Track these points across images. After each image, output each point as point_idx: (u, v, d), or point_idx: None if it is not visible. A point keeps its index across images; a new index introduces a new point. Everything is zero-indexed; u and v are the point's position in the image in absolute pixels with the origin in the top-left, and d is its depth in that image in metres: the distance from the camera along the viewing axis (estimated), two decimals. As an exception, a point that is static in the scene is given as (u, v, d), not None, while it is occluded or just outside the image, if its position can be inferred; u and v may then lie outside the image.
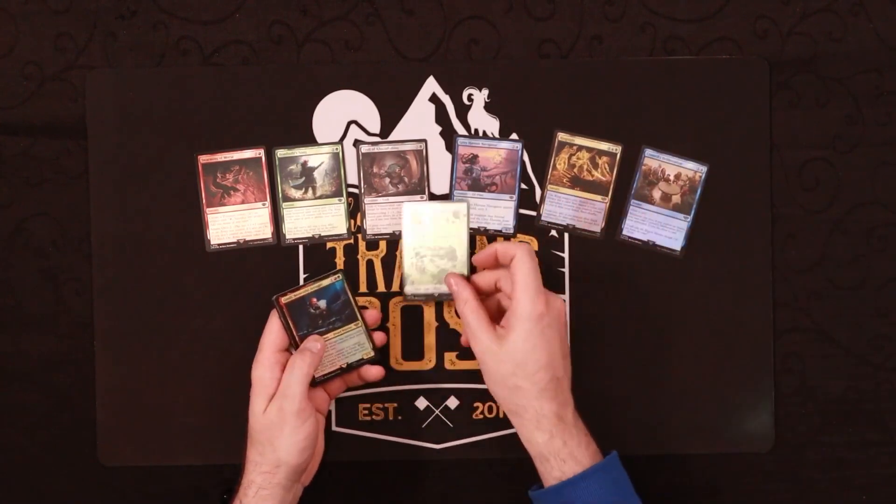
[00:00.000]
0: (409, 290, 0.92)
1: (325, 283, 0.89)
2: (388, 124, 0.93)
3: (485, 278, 0.88)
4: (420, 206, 0.92)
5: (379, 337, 0.90)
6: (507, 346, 0.82)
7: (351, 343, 0.89)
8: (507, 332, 0.83)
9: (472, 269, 0.90)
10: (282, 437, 0.83)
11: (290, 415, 0.83)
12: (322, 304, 0.89)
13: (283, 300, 0.88)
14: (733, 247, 0.94)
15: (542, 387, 0.82)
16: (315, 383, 0.87)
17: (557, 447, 0.82)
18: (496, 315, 0.87)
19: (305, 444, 0.84)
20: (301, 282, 0.93)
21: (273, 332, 0.87)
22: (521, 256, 0.84)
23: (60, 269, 0.93)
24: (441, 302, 0.93)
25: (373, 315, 0.90)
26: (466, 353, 0.94)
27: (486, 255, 0.88)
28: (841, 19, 0.93)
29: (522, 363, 0.82)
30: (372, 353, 0.89)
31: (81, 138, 0.93)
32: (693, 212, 0.94)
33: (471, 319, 0.85)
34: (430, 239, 0.92)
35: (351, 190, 0.94)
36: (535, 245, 0.94)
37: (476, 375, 0.94)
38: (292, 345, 0.88)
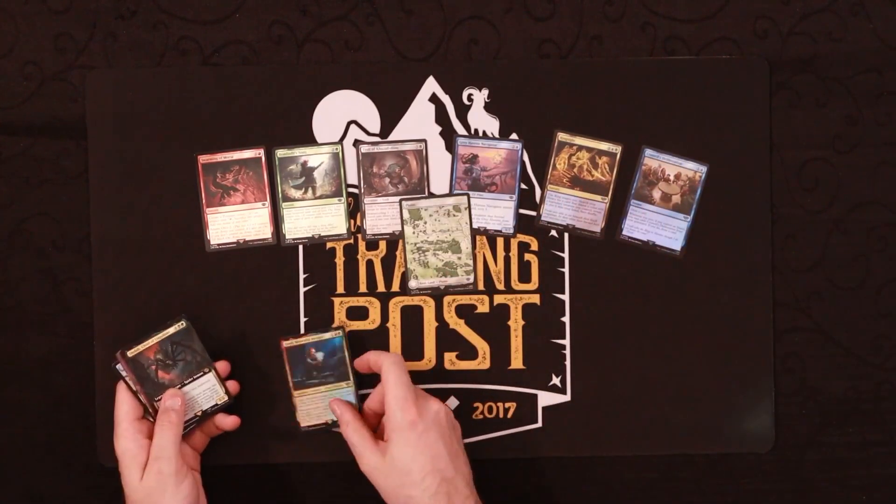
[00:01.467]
0: (412, 284, 0.92)
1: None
2: (388, 124, 0.93)
3: (376, 397, 0.89)
4: (419, 201, 0.93)
5: (232, 385, 0.90)
6: (390, 459, 0.83)
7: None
8: (388, 445, 0.84)
9: (358, 375, 0.91)
10: (164, 500, 0.84)
11: (169, 476, 0.84)
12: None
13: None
14: (733, 247, 0.94)
15: (433, 492, 0.82)
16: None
17: None
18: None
19: (188, 501, 0.84)
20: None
21: (124, 402, 0.88)
22: (388, 367, 0.85)
23: (60, 269, 0.93)
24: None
25: (223, 365, 0.91)
26: (466, 353, 0.94)
27: (362, 361, 0.89)
28: (841, 19, 0.93)
29: (407, 472, 0.82)
30: (226, 398, 0.90)
31: (81, 138, 0.93)
32: (693, 212, 0.94)
33: (354, 440, 0.86)
34: (431, 233, 0.92)
35: (351, 190, 0.94)
36: (535, 245, 0.94)
37: (476, 375, 0.94)
38: (147, 413, 0.88)
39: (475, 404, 0.94)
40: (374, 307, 0.94)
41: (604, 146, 0.94)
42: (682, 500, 0.94)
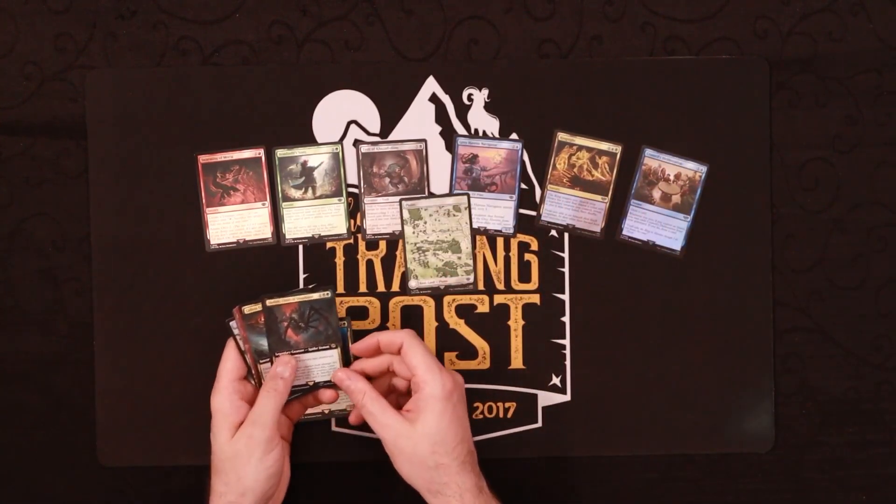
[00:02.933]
0: (412, 284, 0.92)
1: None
2: (388, 124, 0.93)
3: (374, 364, 0.88)
4: (419, 201, 0.93)
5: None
6: (423, 427, 0.83)
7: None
8: (419, 413, 0.83)
9: (352, 358, 0.89)
10: (249, 466, 0.83)
11: (261, 442, 0.83)
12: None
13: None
14: (733, 247, 0.94)
15: (462, 460, 0.83)
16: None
17: None
18: (387, 395, 0.88)
19: (273, 470, 0.84)
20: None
21: (230, 359, 0.87)
22: (411, 342, 0.85)
23: (60, 269, 0.93)
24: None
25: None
26: (466, 353, 0.94)
27: (367, 344, 0.88)
28: (841, 19, 0.93)
29: (442, 440, 0.83)
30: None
31: (81, 138, 0.93)
32: (693, 212, 0.94)
33: (374, 409, 0.85)
34: (431, 233, 0.92)
35: (351, 190, 0.94)
36: (535, 245, 0.94)
37: (476, 375, 0.94)
38: (251, 374, 0.88)
39: (475, 404, 0.94)
40: (374, 307, 0.94)
41: (604, 146, 0.94)
42: (682, 500, 0.94)
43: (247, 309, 0.87)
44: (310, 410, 0.91)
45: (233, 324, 0.88)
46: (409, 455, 0.83)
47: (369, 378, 0.88)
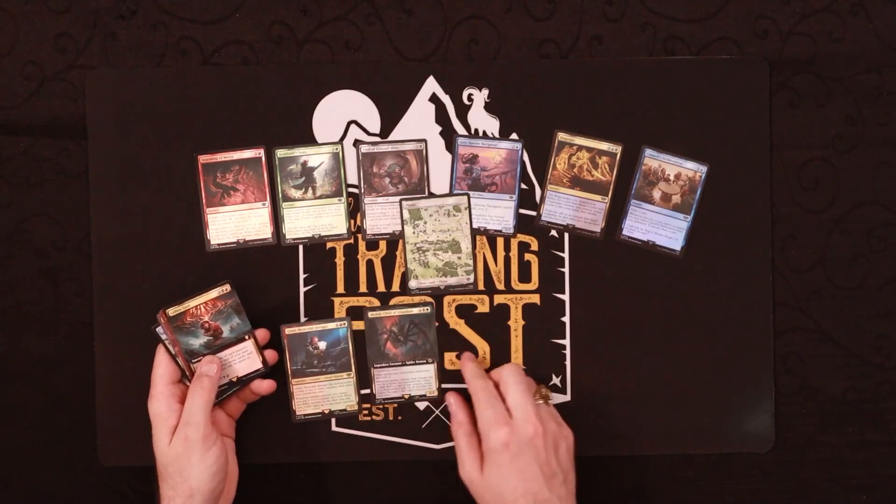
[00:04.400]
0: (413, 284, 0.92)
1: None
2: (388, 124, 0.93)
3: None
4: (419, 201, 0.93)
5: (270, 355, 0.90)
6: (486, 477, 0.84)
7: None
8: (484, 463, 0.84)
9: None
10: (190, 466, 0.83)
11: (196, 442, 0.84)
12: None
13: (170, 312, 0.88)
14: (733, 247, 0.94)
15: None
16: (214, 402, 0.87)
17: None
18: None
19: (215, 468, 0.84)
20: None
21: (161, 364, 0.88)
22: (508, 380, 0.86)
23: (60, 269, 0.93)
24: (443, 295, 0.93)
25: (262, 333, 0.90)
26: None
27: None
28: (841, 19, 0.93)
29: (499, 493, 0.83)
30: (262, 367, 0.90)
31: (81, 138, 0.93)
32: (693, 212, 0.94)
33: (461, 443, 0.86)
34: (431, 233, 0.92)
35: (351, 190, 0.94)
36: (535, 245, 0.94)
37: (476, 375, 0.94)
38: (185, 376, 0.88)
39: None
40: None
41: (604, 146, 0.94)
42: (682, 500, 0.94)
43: (171, 311, 0.88)
44: (310, 410, 0.91)
45: (159, 329, 0.88)
46: (479, 499, 0.85)
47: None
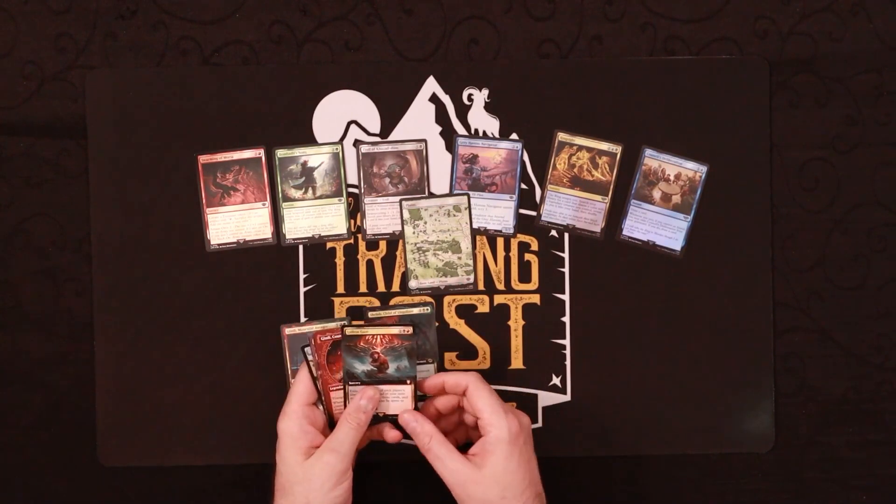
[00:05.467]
0: (413, 284, 0.92)
1: (394, 330, 0.87)
2: (388, 124, 0.93)
3: (444, 401, 0.88)
4: (419, 201, 0.93)
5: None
6: (490, 471, 0.82)
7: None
8: (486, 457, 0.83)
9: (421, 396, 0.89)
10: (321, 493, 0.82)
11: (337, 472, 0.83)
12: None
13: (348, 331, 0.86)
14: (733, 247, 0.94)
15: None
16: None
17: None
18: (455, 430, 0.88)
19: (341, 500, 0.83)
20: (303, 285, 0.93)
21: (303, 383, 0.86)
22: (476, 385, 0.84)
23: (60, 269, 0.93)
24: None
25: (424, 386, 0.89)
26: (466, 354, 0.94)
27: (434, 384, 0.87)
28: (841, 19, 0.93)
29: (510, 484, 0.82)
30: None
31: (81, 138, 0.93)
32: (693, 212, 0.94)
33: (441, 453, 0.84)
34: (431, 233, 0.92)
35: (351, 190, 0.94)
36: (535, 245, 0.94)
37: (476, 375, 0.94)
38: (320, 401, 0.87)
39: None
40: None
41: (604, 146, 0.94)
42: (682, 500, 0.94)
43: (349, 331, 0.87)
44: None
45: (307, 349, 0.87)
46: (479, 500, 0.82)
47: (439, 414, 0.88)
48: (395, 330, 0.87)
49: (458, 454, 0.84)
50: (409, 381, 0.87)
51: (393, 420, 0.87)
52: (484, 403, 0.83)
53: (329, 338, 0.87)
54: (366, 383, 0.87)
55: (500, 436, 0.82)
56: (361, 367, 0.87)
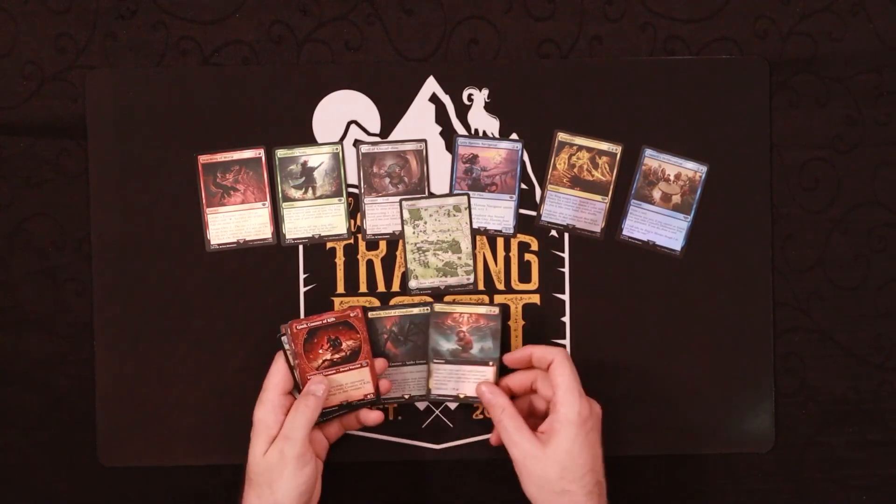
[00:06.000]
0: (413, 284, 0.92)
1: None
2: (388, 124, 0.93)
3: (519, 380, 0.89)
4: (419, 201, 0.93)
5: (384, 384, 0.89)
6: (553, 450, 0.82)
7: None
8: (551, 435, 0.83)
9: (504, 368, 0.90)
10: (281, 481, 0.83)
11: (292, 458, 0.83)
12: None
13: (437, 307, 0.88)
14: (733, 247, 0.94)
15: (589, 490, 0.82)
16: (317, 422, 0.87)
17: None
18: (527, 416, 0.87)
19: (304, 488, 0.84)
20: (302, 284, 0.93)
21: (278, 373, 0.87)
22: (561, 361, 0.85)
23: (60, 269, 0.93)
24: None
25: (381, 362, 0.89)
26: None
27: (521, 357, 0.88)
28: (841, 19, 0.93)
29: (570, 466, 0.82)
30: (372, 395, 0.89)
31: (81, 138, 0.93)
32: (693, 212, 0.94)
33: (509, 426, 0.84)
34: (431, 233, 0.92)
35: (351, 190, 0.94)
36: (535, 245, 0.94)
37: (476, 375, 0.94)
38: (296, 388, 0.87)
39: (475, 404, 0.94)
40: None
41: (604, 146, 0.94)
42: (682, 500, 0.94)
43: (437, 307, 0.89)
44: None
45: (284, 338, 0.88)
46: (538, 478, 0.83)
47: (512, 396, 0.88)
48: (483, 310, 0.89)
49: (528, 430, 0.84)
50: (491, 363, 0.89)
51: (469, 402, 0.89)
52: (562, 380, 0.84)
53: (305, 326, 0.87)
54: (450, 362, 0.89)
55: (569, 416, 0.83)
56: (447, 346, 0.89)
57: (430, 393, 0.91)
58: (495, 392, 0.87)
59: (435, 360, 0.89)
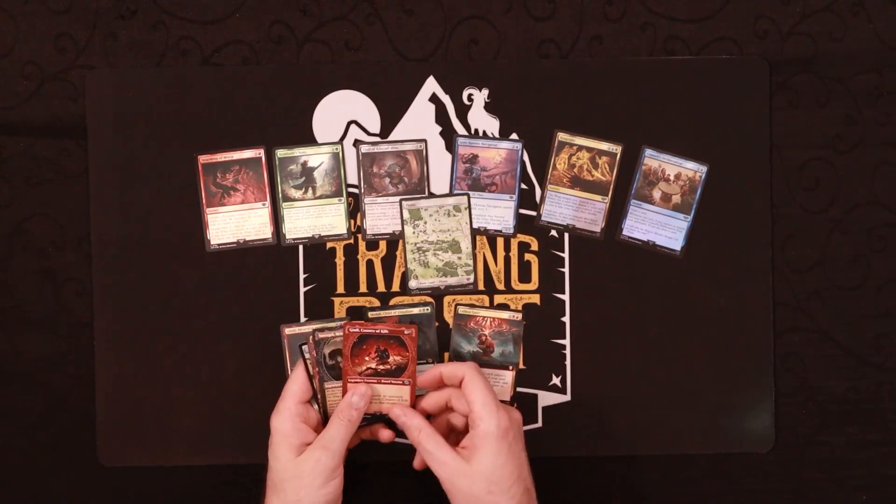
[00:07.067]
0: (412, 284, 0.92)
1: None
2: (388, 124, 0.93)
3: (433, 400, 0.87)
4: (419, 201, 0.93)
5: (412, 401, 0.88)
6: (477, 465, 0.82)
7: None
8: (474, 451, 0.82)
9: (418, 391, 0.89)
10: (311, 489, 0.83)
11: (327, 469, 0.83)
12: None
13: (460, 310, 0.89)
14: (733, 247, 0.94)
15: (518, 500, 0.82)
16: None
17: None
18: (446, 435, 0.87)
19: (331, 498, 0.83)
20: (302, 283, 0.93)
21: (298, 382, 0.86)
22: (472, 376, 0.84)
23: (60, 269, 0.93)
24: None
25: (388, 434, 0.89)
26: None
27: (430, 376, 0.87)
28: (841, 19, 0.93)
29: (497, 479, 0.82)
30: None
31: (81, 138, 0.93)
32: (693, 212, 0.94)
33: (430, 446, 0.84)
34: (431, 233, 0.92)
35: (351, 190, 0.94)
36: (535, 245, 0.94)
37: (476, 375, 0.94)
38: (315, 399, 0.87)
39: None
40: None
41: (604, 146, 0.94)
42: (682, 500, 0.94)
43: (461, 310, 0.89)
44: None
45: (304, 347, 0.87)
46: (466, 493, 0.82)
47: (428, 416, 0.87)
48: (506, 315, 0.90)
49: (448, 447, 0.83)
50: (511, 368, 0.90)
51: (383, 420, 0.88)
52: (477, 395, 0.83)
53: (358, 330, 0.87)
54: None
55: (489, 430, 0.82)
56: (468, 348, 0.89)
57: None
58: (409, 414, 0.86)
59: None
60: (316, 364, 0.87)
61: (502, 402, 0.91)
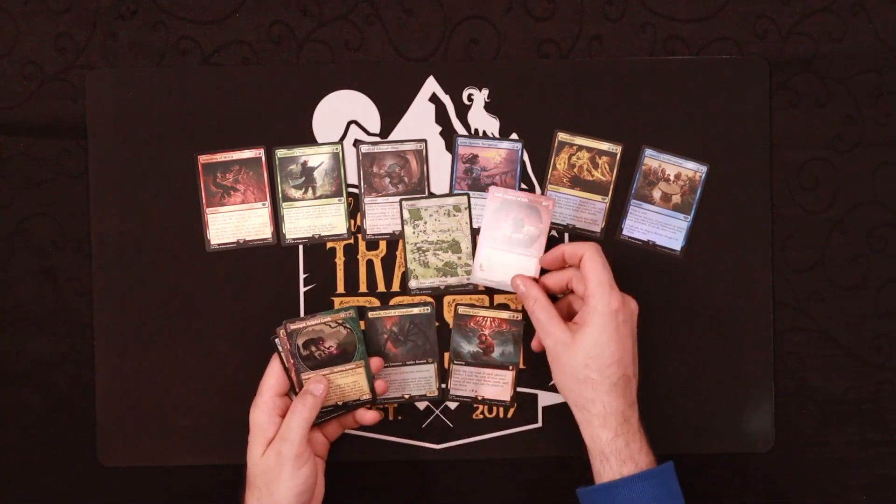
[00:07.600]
0: (412, 284, 0.92)
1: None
2: (388, 124, 0.93)
3: (555, 279, 0.88)
4: (419, 201, 0.93)
5: (380, 385, 0.89)
6: (581, 338, 0.83)
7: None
8: (581, 325, 0.83)
9: (541, 270, 0.90)
10: (279, 482, 0.83)
11: (289, 459, 0.83)
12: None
13: (461, 310, 0.89)
14: (733, 247, 0.94)
15: (614, 381, 0.83)
16: (314, 423, 0.86)
17: (619, 447, 0.83)
18: (566, 317, 0.87)
19: (303, 488, 0.84)
20: (302, 284, 0.93)
21: (273, 375, 0.87)
22: (591, 254, 0.84)
23: (60, 269, 0.93)
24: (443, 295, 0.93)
25: (377, 361, 0.89)
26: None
27: (553, 256, 0.88)
28: (841, 19, 0.93)
29: (596, 355, 0.82)
30: (369, 395, 0.89)
31: (81, 138, 0.93)
32: (693, 212, 0.94)
33: (541, 315, 0.85)
34: (431, 233, 0.92)
35: (351, 190, 0.94)
36: (535, 245, 0.94)
37: (476, 375, 0.94)
38: (292, 389, 0.88)
39: (475, 404, 0.94)
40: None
41: (604, 146, 0.94)
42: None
43: (461, 310, 0.89)
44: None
45: (277, 340, 0.87)
46: (564, 365, 0.83)
47: (549, 292, 0.88)
48: (505, 314, 0.90)
49: (558, 320, 0.84)
50: (510, 368, 0.90)
51: (352, 408, 0.88)
52: (593, 274, 0.84)
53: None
54: (470, 364, 0.90)
55: (597, 307, 0.83)
56: (468, 348, 0.90)
57: (448, 393, 0.91)
58: (528, 284, 0.87)
59: (455, 362, 0.89)
60: (290, 356, 0.87)
61: (502, 401, 0.92)
